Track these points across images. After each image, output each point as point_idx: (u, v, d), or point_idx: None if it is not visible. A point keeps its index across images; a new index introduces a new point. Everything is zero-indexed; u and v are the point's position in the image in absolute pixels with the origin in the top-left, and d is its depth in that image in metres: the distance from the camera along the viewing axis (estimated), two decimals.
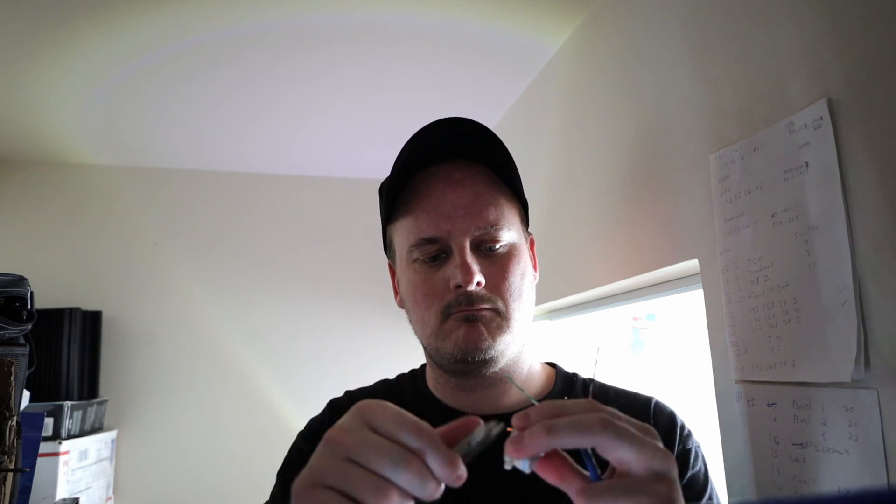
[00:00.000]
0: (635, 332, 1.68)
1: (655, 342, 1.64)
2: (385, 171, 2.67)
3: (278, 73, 1.68)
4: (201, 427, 2.27)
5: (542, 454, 0.43)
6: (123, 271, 2.32)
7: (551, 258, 1.46)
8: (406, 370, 0.86)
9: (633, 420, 0.44)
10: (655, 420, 0.75)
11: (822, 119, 0.67)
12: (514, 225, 0.75)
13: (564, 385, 0.80)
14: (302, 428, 0.80)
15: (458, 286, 0.69)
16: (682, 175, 0.97)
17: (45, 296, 1.63)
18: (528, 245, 0.78)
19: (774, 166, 0.74)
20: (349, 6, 1.37)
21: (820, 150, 0.67)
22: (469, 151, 0.75)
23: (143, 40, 1.48)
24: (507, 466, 0.43)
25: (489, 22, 1.43)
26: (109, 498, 2.10)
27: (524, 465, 0.43)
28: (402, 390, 0.81)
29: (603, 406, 0.43)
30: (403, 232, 0.75)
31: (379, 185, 0.83)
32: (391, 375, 0.86)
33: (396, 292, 0.82)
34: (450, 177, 0.73)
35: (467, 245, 0.70)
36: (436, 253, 0.72)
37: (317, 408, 0.82)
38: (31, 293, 0.92)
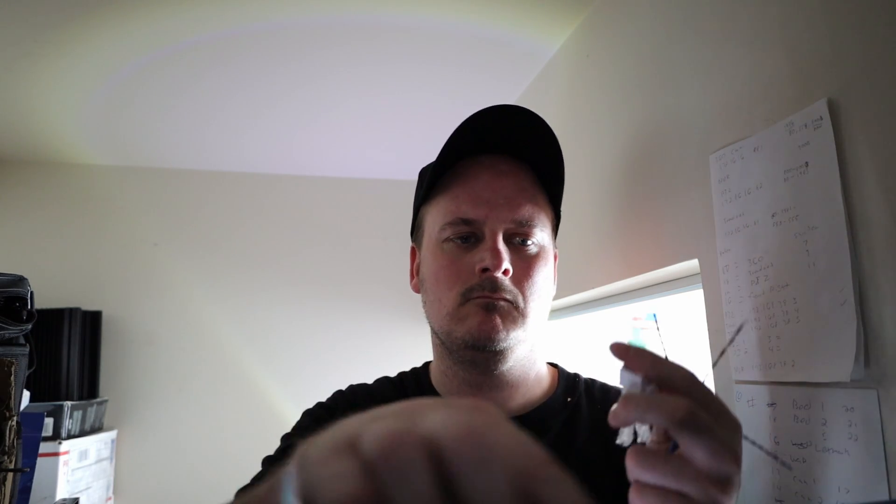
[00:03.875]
0: (635, 332, 1.68)
1: (655, 342, 1.63)
2: (385, 171, 2.66)
3: (279, 73, 1.68)
4: (201, 427, 2.27)
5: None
6: (123, 271, 2.32)
7: None
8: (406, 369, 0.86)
9: (724, 411, 0.43)
10: None
11: (822, 119, 0.67)
12: (546, 229, 0.76)
13: (567, 385, 0.80)
14: (307, 409, 0.80)
15: (485, 269, 0.70)
16: (682, 175, 0.97)
17: (45, 296, 1.63)
18: (553, 256, 0.79)
19: (774, 166, 0.74)
20: (350, 7, 1.37)
21: (820, 150, 0.67)
22: (520, 149, 0.76)
23: (143, 40, 1.48)
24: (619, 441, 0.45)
25: (489, 22, 1.43)
26: (109, 498, 2.10)
27: (626, 439, 0.44)
28: (406, 388, 0.81)
29: (698, 387, 0.42)
30: (439, 210, 0.75)
31: (420, 170, 0.83)
32: (392, 375, 0.86)
33: (413, 276, 0.82)
34: (496, 167, 0.74)
35: (500, 233, 0.71)
36: (467, 234, 0.72)
37: None
38: (31, 293, 0.92)
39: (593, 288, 1.31)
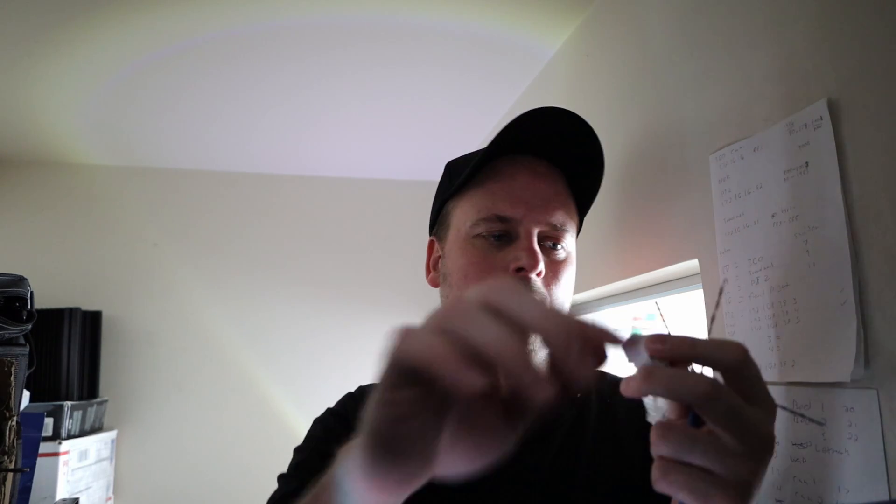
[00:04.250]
0: (635, 332, 1.68)
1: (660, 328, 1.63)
2: (385, 172, 2.65)
3: (279, 73, 1.68)
4: (201, 427, 2.27)
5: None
6: (123, 271, 2.32)
7: None
8: None
9: (761, 391, 0.40)
10: None
11: (822, 119, 0.67)
12: (574, 236, 0.77)
13: None
14: (320, 414, 0.79)
15: (520, 269, 0.70)
16: (682, 175, 0.97)
17: (45, 296, 1.63)
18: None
19: (774, 166, 0.74)
20: (351, 8, 1.37)
21: (820, 150, 0.67)
22: (557, 154, 0.76)
23: (144, 39, 1.48)
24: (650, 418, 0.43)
25: (489, 22, 1.43)
26: (109, 498, 2.10)
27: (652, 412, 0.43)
28: None
29: (731, 360, 0.40)
30: (473, 205, 0.74)
31: (446, 164, 0.84)
32: None
33: (429, 270, 0.82)
34: (534, 169, 0.75)
35: (535, 234, 0.72)
36: (501, 232, 0.72)
37: (317, 408, 0.82)
38: (31, 293, 0.92)
39: (593, 288, 1.31)
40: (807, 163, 0.69)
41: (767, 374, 0.75)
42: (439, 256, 0.80)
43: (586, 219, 1.32)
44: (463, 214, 0.75)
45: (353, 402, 0.79)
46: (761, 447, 0.39)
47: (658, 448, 0.39)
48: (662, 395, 0.39)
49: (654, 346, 0.39)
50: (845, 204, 0.64)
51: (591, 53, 1.35)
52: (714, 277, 0.88)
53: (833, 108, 0.66)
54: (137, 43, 1.50)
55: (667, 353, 0.39)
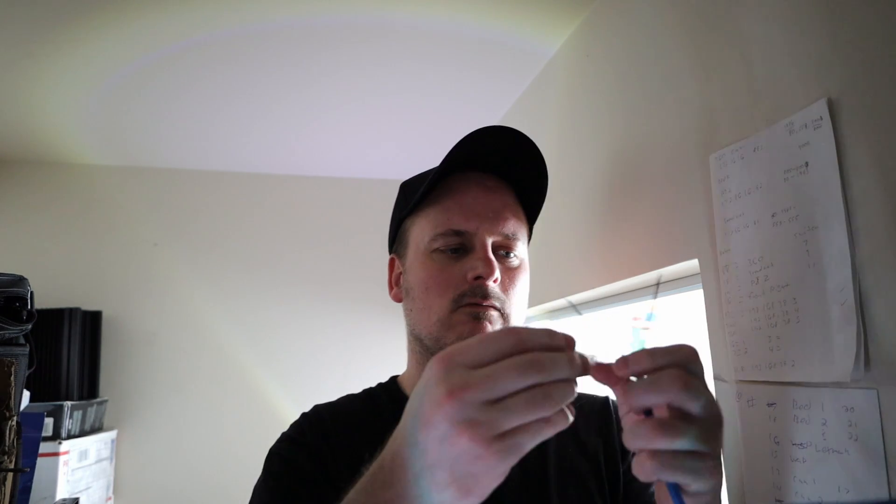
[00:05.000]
0: (635, 332, 1.68)
1: (655, 342, 1.63)
2: (385, 172, 2.65)
3: (279, 73, 1.68)
4: (201, 427, 2.27)
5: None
6: (124, 271, 2.32)
7: (551, 258, 1.46)
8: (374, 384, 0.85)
9: (701, 377, 0.49)
10: (616, 415, 0.79)
11: (822, 119, 0.67)
12: (525, 244, 0.81)
13: None
14: (275, 443, 0.78)
15: (478, 277, 0.73)
16: (682, 175, 0.97)
17: (45, 296, 1.63)
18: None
19: (774, 166, 0.75)
20: (349, 8, 1.37)
21: (820, 150, 0.67)
22: (504, 169, 0.80)
23: (144, 40, 1.48)
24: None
25: (489, 22, 1.43)
26: (109, 498, 2.10)
27: None
28: (378, 402, 0.81)
29: (682, 356, 0.48)
30: (429, 222, 0.77)
31: (400, 184, 0.87)
32: (386, 378, 0.86)
33: (392, 286, 0.86)
34: (484, 183, 0.79)
35: (489, 244, 0.75)
36: (457, 245, 0.76)
37: None
38: (31, 293, 0.92)
39: (593, 288, 1.31)
40: (807, 163, 0.69)
41: (768, 374, 0.76)
42: (400, 272, 0.83)
43: (586, 218, 1.33)
44: (420, 231, 0.78)
45: (309, 425, 0.78)
46: (715, 417, 0.47)
47: (631, 444, 0.47)
48: (638, 409, 0.47)
49: (622, 371, 0.47)
50: (845, 204, 0.64)
51: (591, 53, 1.35)
52: (714, 277, 0.88)
53: (833, 108, 0.66)
54: (137, 43, 1.50)
55: (633, 373, 0.46)
